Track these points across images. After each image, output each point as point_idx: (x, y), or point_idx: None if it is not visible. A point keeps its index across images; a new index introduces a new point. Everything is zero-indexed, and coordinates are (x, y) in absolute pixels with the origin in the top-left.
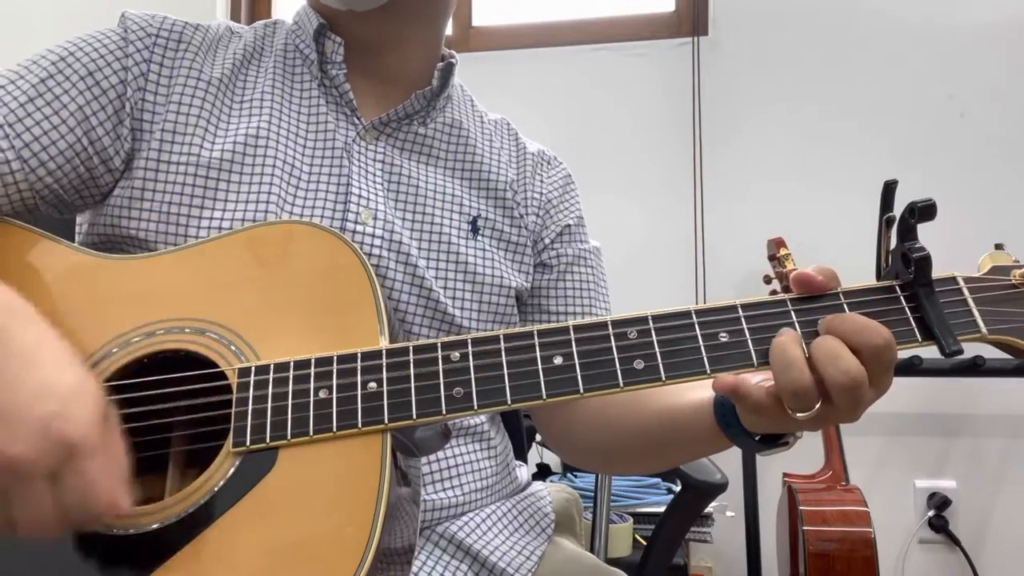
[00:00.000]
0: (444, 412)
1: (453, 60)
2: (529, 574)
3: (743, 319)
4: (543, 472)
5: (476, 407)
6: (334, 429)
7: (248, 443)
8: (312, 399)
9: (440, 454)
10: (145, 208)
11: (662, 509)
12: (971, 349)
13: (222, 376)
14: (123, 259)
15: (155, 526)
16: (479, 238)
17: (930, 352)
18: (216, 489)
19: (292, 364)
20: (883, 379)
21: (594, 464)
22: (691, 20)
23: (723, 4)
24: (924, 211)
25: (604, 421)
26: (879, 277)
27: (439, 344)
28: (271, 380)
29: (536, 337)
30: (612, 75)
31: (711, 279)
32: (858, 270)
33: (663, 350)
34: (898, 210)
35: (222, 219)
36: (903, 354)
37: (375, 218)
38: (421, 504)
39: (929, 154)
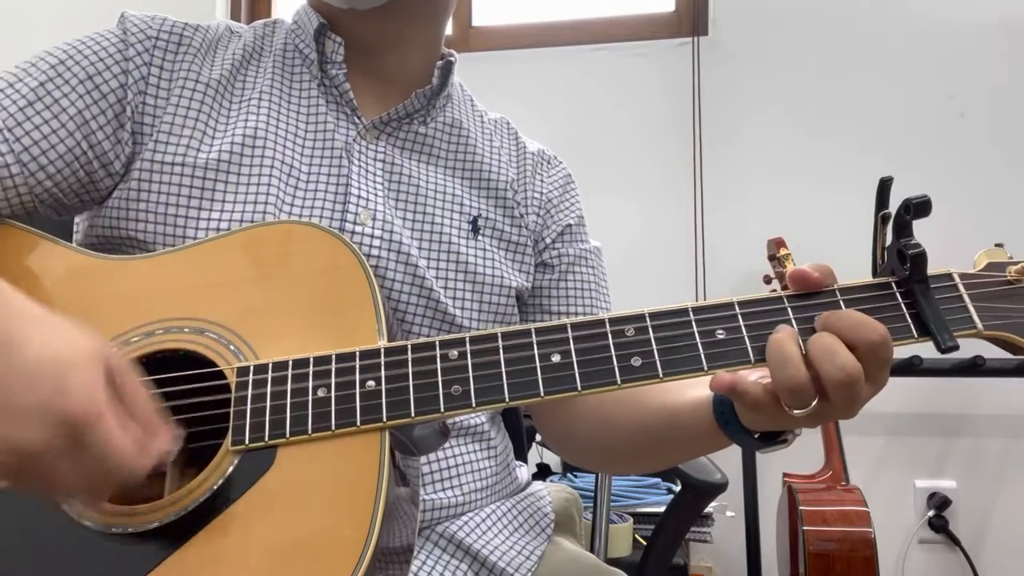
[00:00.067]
0: (442, 410)
1: (452, 58)
2: (529, 574)
3: (740, 316)
4: (543, 472)
5: (474, 405)
6: (333, 428)
7: (247, 442)
8: (311, 398)
9: (440, 454)
10: (143, 209)
11: (662, 509)
12: (971, 349)
13: (221, 375)
14: (122, 260)
15: (154, 525)
16: (479, 238)
17: (930, 352)
18: (215, 488)
19: (290, 363)
20: (879, 375)
21: (594, 463)
22: (691, 20)
23: (723, 4)
24: (919, 207)
25: (604, 419)
26: (875, 274)
27: (437, 343)
28: (269, 379)
29: (534, 335)
30: (612, 75)
31: (711, 279)
32: (859, 269)
33: (660, 347)
34: (894, 207)
35: (220, 219)
36: (903, 354)
37: (374, 218)
38: (420, 504)
39: (928, 154)
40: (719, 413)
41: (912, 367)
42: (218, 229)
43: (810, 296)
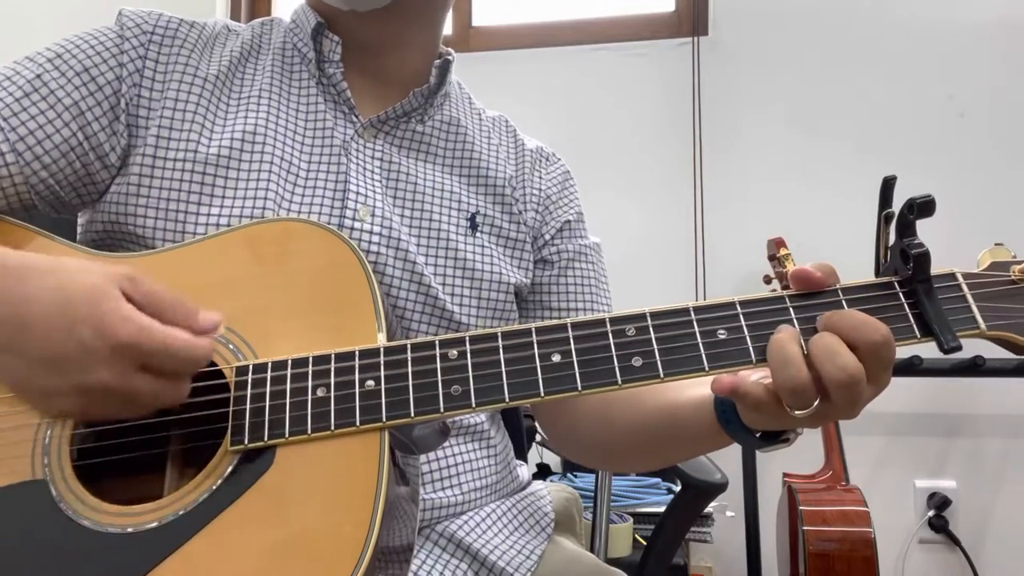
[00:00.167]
0: (442, 410)
1: (450, 57)
2: (529, 573)
3: (741, 316)
4: (543, 472)
5: (474, 405)
6: (332, 427)
7: (246, 442)
8: (310, 397)
9: (439, 453)
10: (142, 204)
11: (662, 509)
12: (971, 349)
13: (220, 375)
14: (119, 258)
15: (153, 524)
16: (478, 235)
17: (930, 352)
18: (214, 488)
19: (290, 362)
20: (881, 376)
21: (595, 461)
22: (691, 20)
23: (723, 4)
24: (923, 207)
25: (605, 418)
26: (878, 273)
27: (437, 342)
28: (269, 379)
29: (534, 334)
30: (612, 75)
31: (711, 279)
32: (858, 269)
33: (661, 347)
34: (897, 207)
35: (219, 215)
36: (903, 354)
37: (373, 215)
38: (420, 503)
39: (928, 154)
40: (720, 412)
41: (912, 367)
42: (218, 225)
43: (812, 296)
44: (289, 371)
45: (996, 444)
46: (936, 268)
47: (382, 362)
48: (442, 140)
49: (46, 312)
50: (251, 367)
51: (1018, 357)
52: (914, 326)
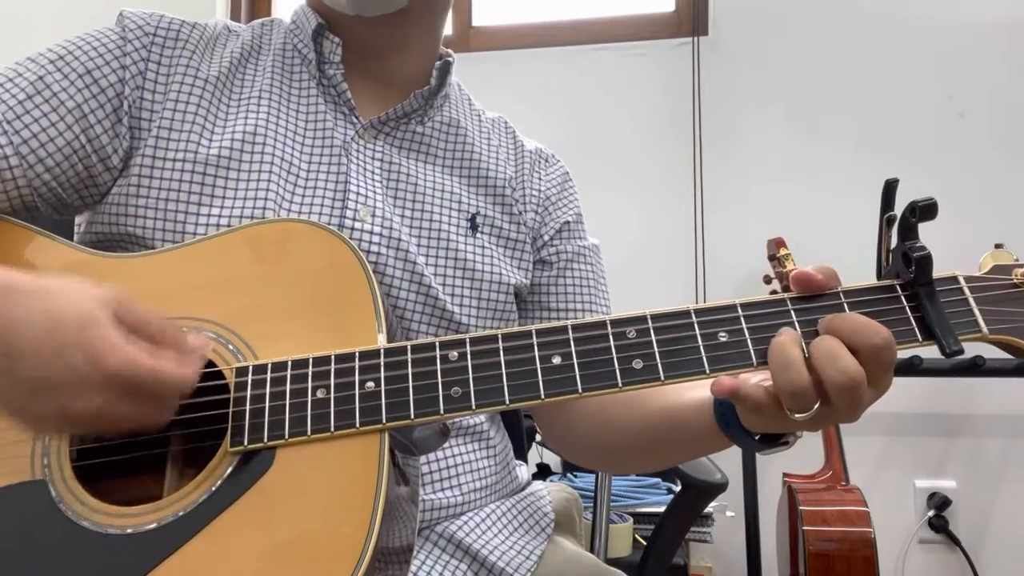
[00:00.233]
0: (442, 412)
1: (450, 59)
2: (528, 574)
3: (742, 319)
4: (543, 472)
5: (474, 407)
6: (332, 429)
7: (246, 443)
8: (310, 399)
9: (439, 454)
10: (142, 205)
11: (662, 509)
12: (971, 349)
13: (220, 375)
14: (120, 258)
15: (153, 525)
16: (478, 235)
17: (930, 352)
18: (214, 489)
19: (290, 364)
20: (882, 379)
21: (595, 463)
22: (691, 20)
23: (723, 4)
24: (925, 210)
25: (605, 420)
26: (880, 276)
27: (437, 343)
28: (268, 380)
29: (534, 337)
30: (612, 75)
31: (711, 279)
32: (858, 269)
33: (662, 350)
34: (899, 209)
35: (220, 216)
36: (903, 354)
37: (373, 215)
38: (420, 504)
39: (928, 154)
40: (720, 415)
41: (912, 367)
42: (218, 226)
43: (813, 298)
44: (289, 372)
45: (996, 444)
46: (938, 271)
47: (382, 363)
48: (442, 141)
49: (35, 336)
50: (251, 368)
51: (1018, 358)
52: (916, 329)
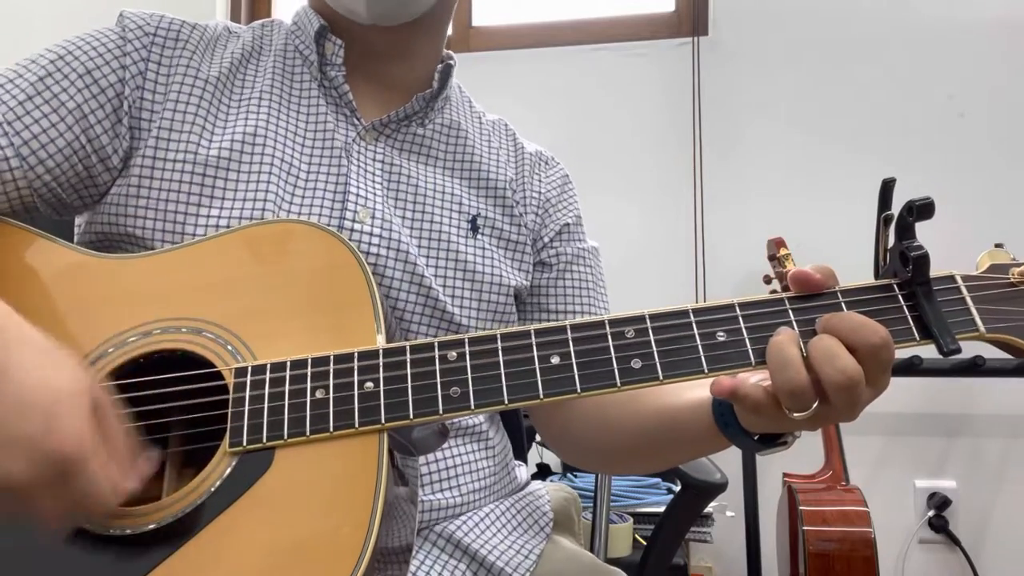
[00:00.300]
0: (441, 412)
1: (452, 62)
2: (528, 574)
3: (741, 318)
4: (543, 472)
5: (473, 407)
6: (331, 429)
7: (245, 443)
8: (309, 399)
9: (438, 454)
10: (142, 206)
11: (662, 509)
12: (971, 349)
13: (219, 376)
14: (119, 259)
15: (152, 526)
16: (479, 237)
17: (930, 352)
18: (213, 489)
19: (288, 364)
20: (880, 378)
21: (593, 464)
22: (691, 20)
23: (723, 4)
24: (922, 209)
25: (603, 421)
26: (877, 276)
27: (436, 344)
28: (267, 380)
29: (533, 336)
30: (612, 75)
31: (711, 279)
32: (858, 269)
33: (660, 349)
34: (896, 209)
35: (219, 217)
36: (903, 354)
37: (373, 217)
38: (419, 504)
39: (928, 154)
40: (718, 415)
41: (912, 367)
42: (217, 227)
43: (811, 298)
44: (288, 372)
45: (996, 444)
46: (935, 270)
47: (381, 364)
48: (442, 143)
49: (13, 389)
50: (250, 368)
51: (1020, 358)
52: (913, 328)
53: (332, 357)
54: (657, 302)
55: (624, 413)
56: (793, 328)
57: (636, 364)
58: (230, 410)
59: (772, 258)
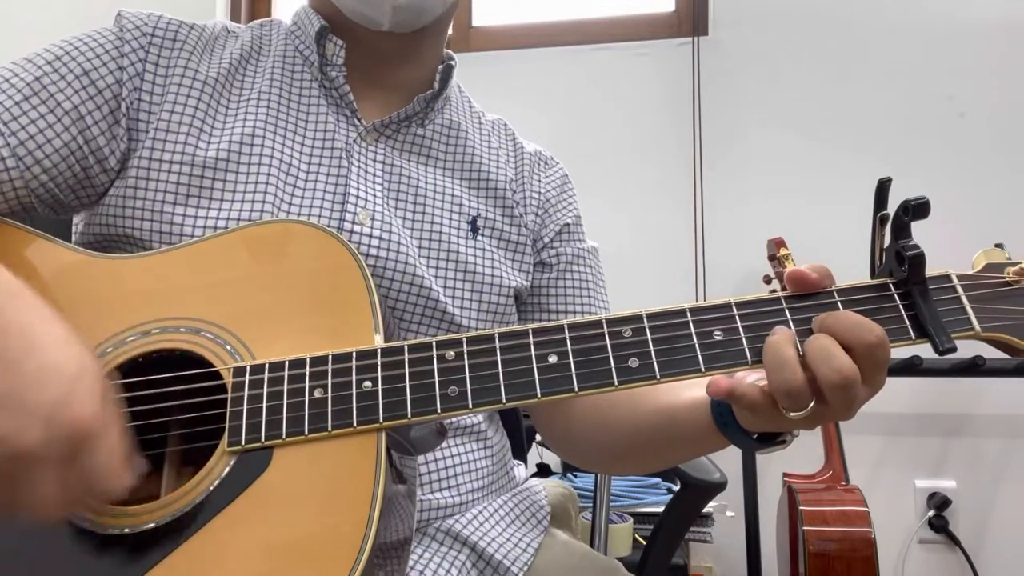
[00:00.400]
0: (439, 411)
1: (452, 62)
2: (525, 567)
3: (737, 317)
4: (543, 472)
5: (471, 406)
6: (329, 428)
7: (243, 442)
8: (307, 398)
9: (437, 454)
10: (139, 207)
11: (662, 509)
12: (971, 349)
13: (217, 376)
14: (118, 258)
15: (151, 525)
16: (479, 238)
17: (930, 352)
18: (212, 488)
19: (287, 363)
20: (876, 377)
21: (594, 464)
22: (691, 20)
23: (723, 4)
24: (918, 209)
25: (602, 421)
26: (873, 275)
27: (434, 343)
28: (266, 379)
29: (531, 336)
30: (612, 75)
31: (711, 279)
32: (859, 269)
33: (658, 348)
34: (892, 208)
35: (218, 218)
36: (903, 354)
37: (373, 218)
38: (417, 504)
39: (928, 154)
40: (717, 415)
41: (912, 367)
42: (215, 228)
43: (808, 297)
44: (286, 372)
45: (996, 444)
46: (931, 269)
47: (379, 363)
48: (442, 143)
49: (41, 361)
50: (248, 368)
51: (1018, 357)
52: (909, 327)
53: (330, 357)
54: (657, 302)
55: (623, 413)
56: (789, 327)
57: (633, 363)
58: (228, 409)
59: (772, 258)
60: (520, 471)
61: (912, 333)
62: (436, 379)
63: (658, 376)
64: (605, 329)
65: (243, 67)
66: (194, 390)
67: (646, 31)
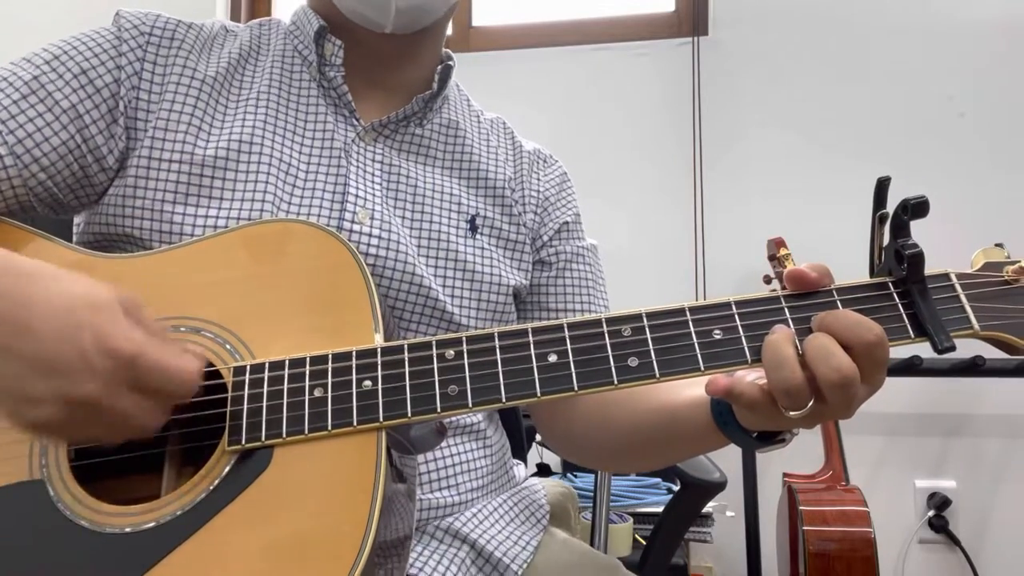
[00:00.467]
0: (439, 410)
1: (451, 62)
2: (525, 564)
3: (737, 316)
4: (543, 472)
5: (471, 405)
6: (329, 427)
7: (243, 442)
8: (307, 398)
9: (436, 453)
10: (138, 206)
11: (662, 509)
12: (971, 349)
13: (217, 375)
14: (118, 258)
15: (151, 525)
16: (478, 237)
17: (930, 352)
18: (212, 488)
19: (287, 363)
20: (876, 376)
21: (594, 462)
22: (691, 20)
23: (723, 4)
24: (917, 208)
25: (603, 420)
26: (872, 274)
27: (434, 342)
28: (266, 379)
29: (531, 335)
30: (612, 75)
31: (711, 279)
32: (859, 269)
33: (657, 347)
34: (891, 207)
35: (217, 217)
36: (903, 354)
37: (372, 218)
38: (417, 503)
39: (929, 154)
40: (717, 413)
41: (912, 367)
42: (215, 227)
43: (807, 296)
44: (286, 371)
45: (996, 444)
46: (930, 268)
47: (379, 362)
48: (441, 143)
49: (47, 314)
50: (248, 367)
51: (1018, 357)
52: (908, 326)
53: (330, 356)
54: (657, 301)
55: (624, 411)
56: (789, 326)
57: (633, 362)
58: (228, 409)
59: (772, 258)
60: (520, 471)
61: (911, 332)
62: (436, 378)
63: (657, 375)
64: (605, 328)
65: (242, 66)
66: None
67: (646, 31)
